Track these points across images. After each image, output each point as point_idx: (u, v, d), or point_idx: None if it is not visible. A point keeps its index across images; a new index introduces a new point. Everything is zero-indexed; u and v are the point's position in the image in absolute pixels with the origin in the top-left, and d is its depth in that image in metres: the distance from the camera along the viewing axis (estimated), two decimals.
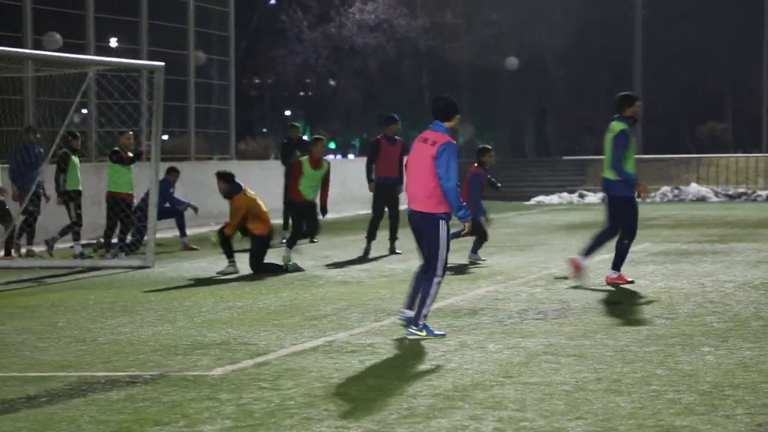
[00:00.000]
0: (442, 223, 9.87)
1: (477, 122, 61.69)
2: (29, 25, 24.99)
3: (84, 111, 27.42)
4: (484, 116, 61.97)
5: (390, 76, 57.54)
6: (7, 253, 18.41)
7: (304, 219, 16.89)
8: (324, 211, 17.08)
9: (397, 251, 18.28)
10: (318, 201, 16.89)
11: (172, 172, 20.88)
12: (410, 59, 56.27)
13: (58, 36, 26.28)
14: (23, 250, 18.91)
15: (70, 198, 18.75)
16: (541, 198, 40.57)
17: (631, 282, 13.65)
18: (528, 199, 40.28)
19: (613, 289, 13.26)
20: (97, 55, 25.25)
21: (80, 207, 18.91)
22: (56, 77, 20.89)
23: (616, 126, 13.40)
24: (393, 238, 18.49)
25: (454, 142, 10.00)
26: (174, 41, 30.84)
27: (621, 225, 13.62)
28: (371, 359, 8.90)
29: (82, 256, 18.45)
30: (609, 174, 13.46)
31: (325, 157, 17.46)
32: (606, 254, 17.56)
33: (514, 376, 8.13)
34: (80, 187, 19.07)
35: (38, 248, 19.27)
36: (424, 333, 9.83)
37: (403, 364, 8.67)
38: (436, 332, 9.93)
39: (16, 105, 23.64)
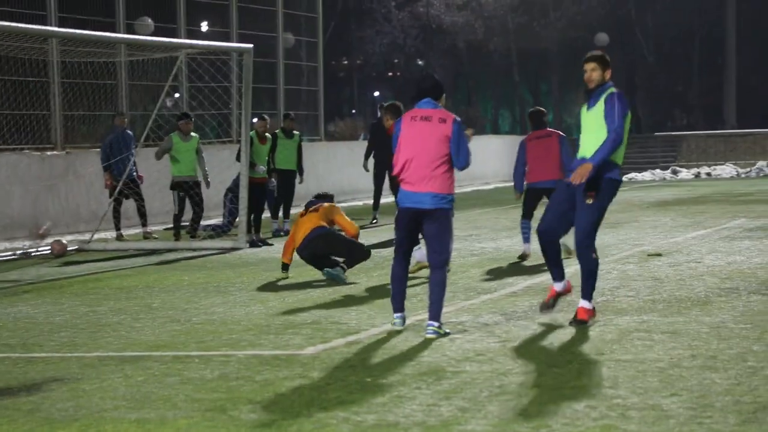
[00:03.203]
0: (452, 212, 9.24)
1: (566, 99, 61.17)
2: (121, 11, 25.31)
3: (176, 95, 27.74)
4: (573, 93, 61.39)
5: (479, 54, 57.26)
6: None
7: None
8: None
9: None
10: None
11: None
12: (499, 37, 55.93)
13: (149, 20, 26.61)
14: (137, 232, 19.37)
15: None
16: (633, 175, 40.16)
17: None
18: None
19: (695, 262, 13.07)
20: (188, 39, 25.52)
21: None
22: (148, 61, 21.19)
23: None
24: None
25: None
26: (263, 23, 31.03)
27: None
28: (461, 338, 8.88)
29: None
30: None
31: None
32: (700, 230, 17.33)
33: (606, 354, 8.06)
34: (292, 167, 19.68)
35: (152, 228, 19.80)
36: (442, 331, 9.06)
37: (494, 342, 8.63)
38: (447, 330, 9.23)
39: (110, 90, 24.01)
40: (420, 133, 9.19)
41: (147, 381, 7.65)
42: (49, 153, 21.61)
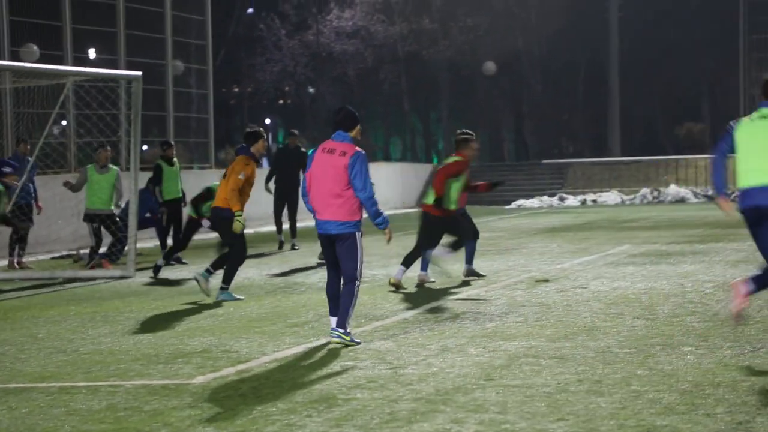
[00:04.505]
0: (359, 232, 9.99)
1: (455, 126, 61.77)
2: (6, 37, 24.92)
3: (63, 122, 27.38)
4: (462, 120, 62.06)
5: (369, 83, 57.57)
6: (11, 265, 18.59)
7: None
8: None
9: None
10: None
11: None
12: (389, 65, 56.32)
13: (35, 47, 26.23)
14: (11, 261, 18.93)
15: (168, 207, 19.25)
16: (521, 202, 40.69)
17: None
18: (508, 203, 40.36)
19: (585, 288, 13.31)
20: (75, 66, 25.20)
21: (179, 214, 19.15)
22: (34, 89, 20.87)
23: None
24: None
25: (363, 151, 10.04)
26: (152, 51, 30.82)
27: None
28: (352, 365, 8.91)
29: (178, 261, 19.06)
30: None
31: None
32: (586, 257, 17.62)
33: (496, 379, 8.15)
34: (179, 195, 19.47)
35: (29, 259, 19.39)
36: (348, 338, 9.86)
37: (385, 369, 8.68)
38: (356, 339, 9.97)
39: None
40: (323, 165, 9.93)
41: (32, 413, 7.52)
42: None
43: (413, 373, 8.51)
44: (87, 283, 16.56)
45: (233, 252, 13.49)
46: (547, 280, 14.50)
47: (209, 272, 13.60)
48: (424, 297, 13.30)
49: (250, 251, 21.04)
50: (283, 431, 6.80)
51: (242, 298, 13.63)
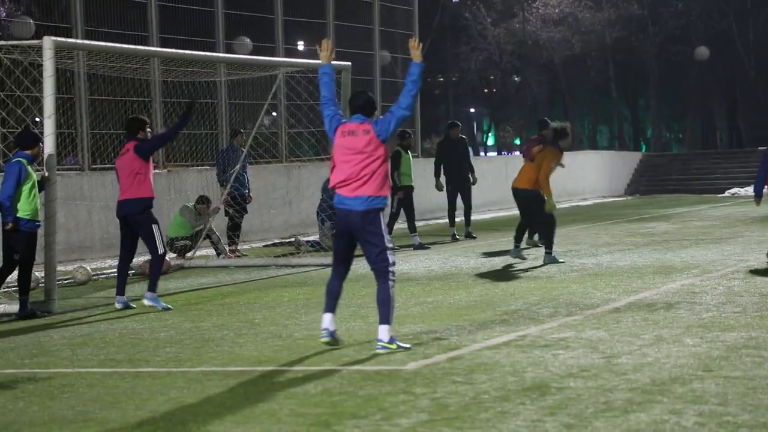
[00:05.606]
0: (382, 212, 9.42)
1: (665, 114, 60.45)
2: (221, 31, 25.64)
3: (274, 113, 28.00)
4: (672, 108, 60.75)
5: (576, 70, 56.89)
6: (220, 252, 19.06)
7: None
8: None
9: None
10: None
11: None
12: (596, 52, 55.51)
13: (248, 40, 26.90)
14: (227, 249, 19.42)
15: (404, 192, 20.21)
16: (735, 190, 39.52)
17: None
18: (721, 192, 39.26)
19: None
20: (286, 58, 25.73)
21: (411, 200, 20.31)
22: (247, 80, 21.39)
23: None
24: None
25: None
26: (360, 41, 31.19)
27: None
28: (564, 354, 8.80)
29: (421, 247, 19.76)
30: None
31: None
32: None
33: (714, 370, 7.92)
34: (412, 183, 20.40)
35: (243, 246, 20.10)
36: (394, 346, 9.19)
37: (598, 358, 8.54)
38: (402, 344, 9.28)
39: (209, 108, 24.32)
40: (348, 149, 9.41)
41: (251, 395, 7.70)
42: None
43: (627, 362, 8.35)
44: (299, 270, 16.89)
45: (546, 222, 16.03)
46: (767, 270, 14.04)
47: (518, 247, 16.51)
48: (635, 287, 13.04)
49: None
50: (496, 418, 6.76)
51: (563, 261, 15.93)
